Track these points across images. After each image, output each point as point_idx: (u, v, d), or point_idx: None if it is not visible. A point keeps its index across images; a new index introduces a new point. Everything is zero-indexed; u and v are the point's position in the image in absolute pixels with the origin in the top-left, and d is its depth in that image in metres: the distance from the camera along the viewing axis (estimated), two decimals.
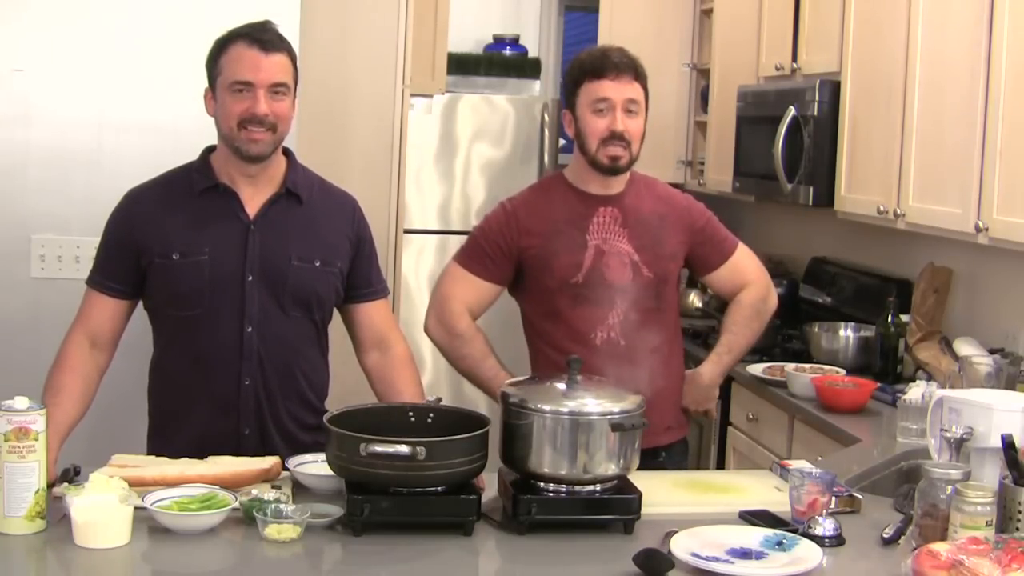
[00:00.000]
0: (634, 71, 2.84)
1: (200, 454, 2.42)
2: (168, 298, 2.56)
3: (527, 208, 2.93)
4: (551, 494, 2.24)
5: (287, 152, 2.64)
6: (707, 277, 3.09)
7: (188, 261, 2.52)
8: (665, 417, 2.93)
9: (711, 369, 3.09)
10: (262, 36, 2.50)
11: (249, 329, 2.54)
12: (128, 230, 2.57)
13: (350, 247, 2.66)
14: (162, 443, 2.57)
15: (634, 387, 2.38)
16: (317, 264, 2.58)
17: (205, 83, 2.56)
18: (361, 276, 2.69)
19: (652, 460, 2.80)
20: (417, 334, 5.84)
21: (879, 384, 3.56)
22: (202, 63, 2.56)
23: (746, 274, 3.08)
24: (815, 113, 4.08)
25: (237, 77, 2.48)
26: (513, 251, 2.90)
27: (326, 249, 2.61)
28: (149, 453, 2.53)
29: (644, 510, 2.24)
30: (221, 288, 2.52)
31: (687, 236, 2.98)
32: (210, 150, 2.61)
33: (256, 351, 2.54)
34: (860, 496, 2.45)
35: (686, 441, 3.11)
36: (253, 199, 2.57)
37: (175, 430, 2.59)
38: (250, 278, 2.53)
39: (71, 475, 2.30)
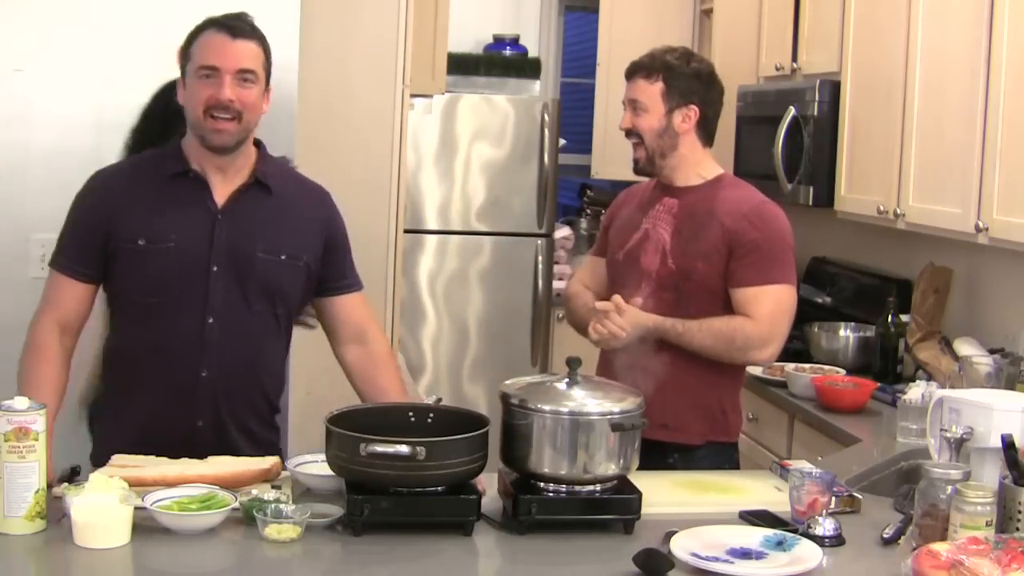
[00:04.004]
0: (645, 70, 2.91)
1: (147, 441, 2.39)
2: (132, 284, 2.51)
3: (626, 193, 3.15)
4: (551, 494, 2.24)
5: (258, 143, 2.61)
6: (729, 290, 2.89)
7: (154, 248, 2.48)
8: (663, 415, 2.87)
9: (655, 318, 2.79)
10: (232, 23, 2.48)
11: (211, 320, 2.50)
12: (95, 213, 2.54)
13: (321, 241, 2.62)
14: (110, 423, 2.56)
15: (633, 377, 2.38)
16: (283, 257, 2.55)
17: None
18: (335, 269, 2.66)
19: (661, 460, 2.76)
20: (419, 334, 5.81)
21: (879, 384, 3.57)
22: None
23: (752, 311, 2.82)
24: (815, 113, 4.08)
25: (204, 62, 2.46)
26: (608, 227, 3.13)
27: (294, 242, 2.57)
28: (92, 430, 2.51)
29: (644, 510, 2.24)
30: (185, 277, 2.49)
31: (727, 246, 2.83)
32: (182, 135, 2.58)
33: (217, 343, 2.50)
34: (860, 496, 2.45)
35: (705, 449, 2.95)
36: (223, 188, 2.53)
37: (126, 414, 2.54)
38: (215, 268, 2.49)
39: (71, 475, 2.30)
